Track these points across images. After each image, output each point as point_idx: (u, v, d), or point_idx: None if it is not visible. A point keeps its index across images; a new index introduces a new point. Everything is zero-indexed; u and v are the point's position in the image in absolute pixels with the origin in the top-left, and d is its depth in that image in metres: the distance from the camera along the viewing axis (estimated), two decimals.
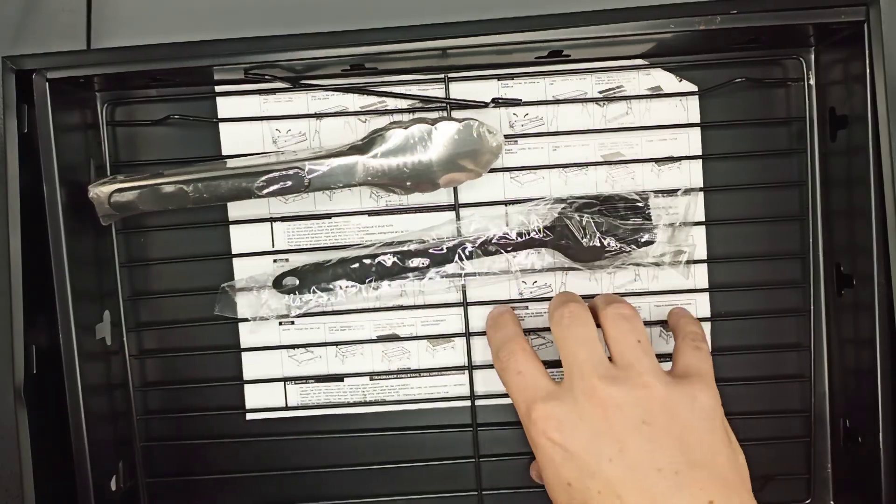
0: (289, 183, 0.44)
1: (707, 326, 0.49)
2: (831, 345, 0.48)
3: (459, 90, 0.48)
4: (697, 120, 0.48)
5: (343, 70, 0.46)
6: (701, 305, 0.49)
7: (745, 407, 0.49)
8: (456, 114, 0.47)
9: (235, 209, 0.49)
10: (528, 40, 0.42)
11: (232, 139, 0.48)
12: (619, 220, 0.47)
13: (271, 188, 0.44)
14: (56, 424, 0.44)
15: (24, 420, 0.41)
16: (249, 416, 0.50)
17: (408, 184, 0.45)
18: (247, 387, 0.50)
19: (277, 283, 0.47)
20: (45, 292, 0.43)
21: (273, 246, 0.49)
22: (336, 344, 0.49)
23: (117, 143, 0.48)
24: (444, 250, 0.47)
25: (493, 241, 0.47)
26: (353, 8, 0.47)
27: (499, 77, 0.48)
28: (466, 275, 0.48)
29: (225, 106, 0.48)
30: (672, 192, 0.48)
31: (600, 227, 0.46)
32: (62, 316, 0.43)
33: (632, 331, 0.40)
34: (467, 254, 0.47)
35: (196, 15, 0.47)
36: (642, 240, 0.47)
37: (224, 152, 0.48)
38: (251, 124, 0.48)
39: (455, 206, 0.48)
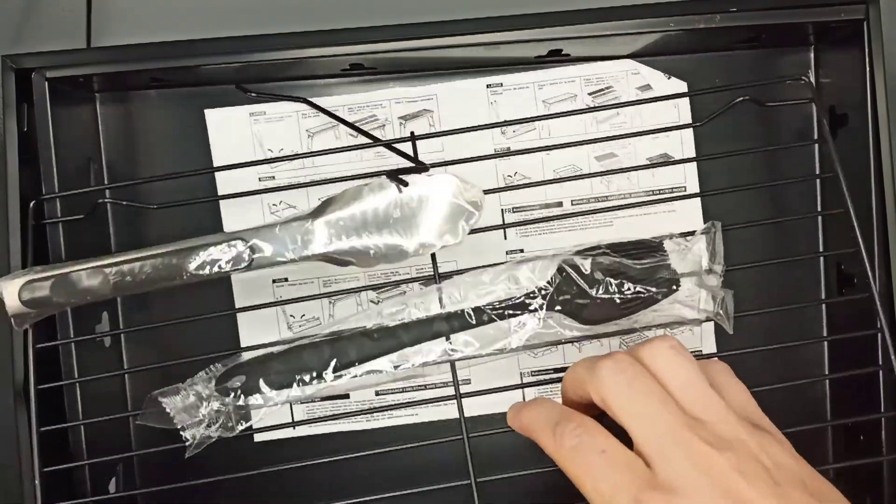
0: (228, 257, 0.38)
1: (710, 325, 0.49)
2: (832, 344, 0.48)
3: (451, 95, 0.48)
4: (689, 118, 0.48)
5: (342, 70, 0.46)
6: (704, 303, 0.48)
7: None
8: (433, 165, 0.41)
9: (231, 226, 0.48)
10: (528, 38, 0.42)
11: (223, 154, 0.48)
12: (632, 260, 0.39)
13: (207, 268, 0.38)
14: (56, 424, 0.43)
15: (24, 420, 0.41)
16: (257, 438, 0.49)
17: (371, 254, 0.38)
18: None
19: (221, 383, 0.39)
20: None
21: None
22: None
23: (116, 142, 0.48)
24: (423, 324, 0.38)
25: (484, 308, 0.38)
26: (356, 7, 0.47)
27: (488, 85, 0.48)
28: (452, 360, 0.39)
29: (213, 117, 0.48)
30: (688, 233, 0.41)
31: (610, 270, 0.38)
32: (60, 316, 0.43)
33: (696, 372, 0.32)
34: (450, 327, 0.38)
35: (197, 14, 0.47)
36: (664, 278, 0.38)
37: (215, 162, 0.48)
38: (241, 140, 0.48)
39: (435, 277, 0.40)
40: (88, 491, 0.43)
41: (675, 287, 0.38)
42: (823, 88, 0.47)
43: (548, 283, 0.38)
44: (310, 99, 0.47)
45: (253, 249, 0.38)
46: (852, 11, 0.42)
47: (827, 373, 0.48)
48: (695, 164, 0.48)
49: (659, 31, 0.42)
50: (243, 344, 0.49)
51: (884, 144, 0.42)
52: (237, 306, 0.48)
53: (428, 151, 0.48)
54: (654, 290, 0.38)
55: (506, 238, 0.48)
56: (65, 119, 0.44)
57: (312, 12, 0.47)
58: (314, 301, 0.48)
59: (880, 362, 0.42)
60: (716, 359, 0.37)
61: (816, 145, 0.48)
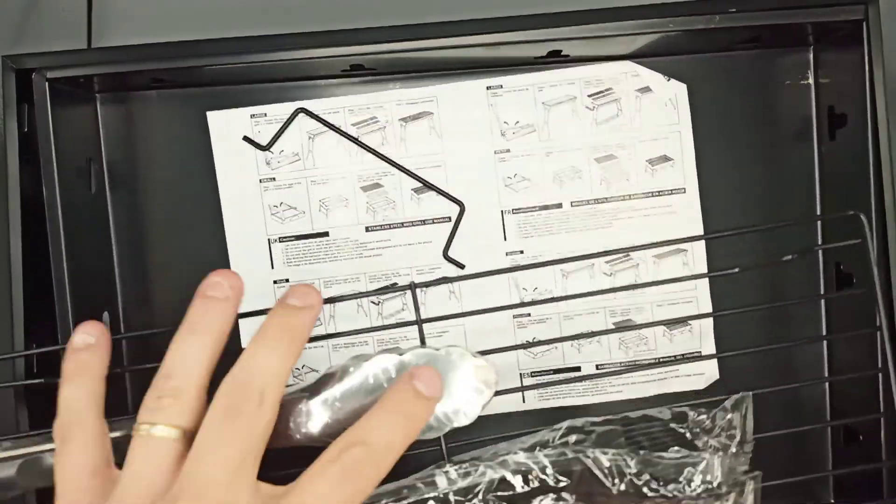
0: None
1: (709, 323, 0.49)
2: (831, 344, 0.48)
3: (451, 97, 0.48)
4: (688, 118, 0.48)
5: (343, 71, 0.46)
6: (703, 302, 0.49)
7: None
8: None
9: (232, 227, 0.48)
10: (528, 39, 0.42)
11: (224, 155, 0.48)
12: (653, 445, 0.37)
13: None
14: None
15: (25, 420, 0.41)
16: None
17: None
18: None
19: None
20: (45, 292, 0.43)
21: (272, 266, 0.48)
22: None
23: (116, 143, 0.48)
24: None
25: (493, 491, 0.35)
26: (356, 8, 0.47)
27: (488, 87, 0.48)
28: None
29: (214, 119, 0.48)
30: (716, 401, 0.39)
31: (630, 465, 0.35)
32: (60, 317, 0.43)
33: None
34: None
35: (198, 14, 0.47)
36: (692, 480, 0.35)
37: (217, 168, 0.48)
38: (242, 141, 0.48)
39: (443, 453, 0.39)
40: None
41: (709, 488, 0.35)
42: (823, 88, 0.47)
43: (565, 470, 0.35)
44: (310, 101, 0.48)
45: None
46: (852, 11, 0.42)
47: (826, 373, 0.48)
48: (694, 164, 0.48)
49: (659, 32, 0.42)
50: (244, 343, 0.49)
51: (883, 144, 0.42)
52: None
53: (426, 153, 0.48)
54: (680, 488, 0.35)
55: (506, 239, 0.48)
56: (65, 119, 0.44)
57: (313, 13, 0.47)
58: None
59: (879, 362, 0.42)
60: None
61: (816, 145, 0.48)
